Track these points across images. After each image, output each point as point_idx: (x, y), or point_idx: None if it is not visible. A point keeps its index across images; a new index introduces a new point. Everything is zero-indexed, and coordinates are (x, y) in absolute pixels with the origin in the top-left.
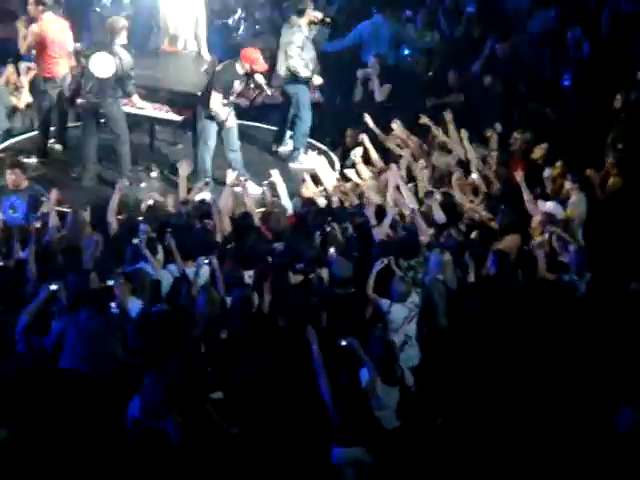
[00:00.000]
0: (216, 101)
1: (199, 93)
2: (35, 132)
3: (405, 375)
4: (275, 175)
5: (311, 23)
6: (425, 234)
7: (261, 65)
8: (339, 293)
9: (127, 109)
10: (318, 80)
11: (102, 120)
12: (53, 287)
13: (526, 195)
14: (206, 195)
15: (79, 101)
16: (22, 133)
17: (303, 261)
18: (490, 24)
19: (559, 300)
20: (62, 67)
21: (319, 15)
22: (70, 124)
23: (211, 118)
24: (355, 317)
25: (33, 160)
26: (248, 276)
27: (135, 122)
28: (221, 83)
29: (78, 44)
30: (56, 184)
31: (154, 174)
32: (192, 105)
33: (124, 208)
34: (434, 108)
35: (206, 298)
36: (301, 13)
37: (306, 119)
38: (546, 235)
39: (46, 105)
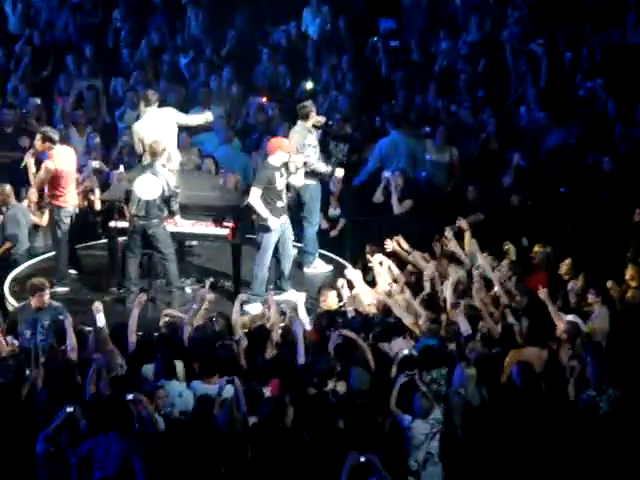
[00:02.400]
0: (254, 196)
1: (242, 205)
2: (54, 253)
3: None
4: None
5: (315, 127)
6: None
7: (288, 146)
8: (357, 402)
9: (169, 228)
10: (340, 172)
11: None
12: (69, 409)
13: (551, 309)
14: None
15: (113, 224)
16: (43, 252)
17: (319, 374)
18: (507, 140)
19: (579, 420)
20: (73, 196)
21: (322, 119)
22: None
23: (267, 229)
24: (374, 429)
25: (60, 287)
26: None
27: None
28: (258, 178)
29: (96, 162)
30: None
31: (188, 289)
32: (233, 218)
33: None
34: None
35: (227, 416)
36: (306, 117)
37: (316, 223)
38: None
39: (62, 233)
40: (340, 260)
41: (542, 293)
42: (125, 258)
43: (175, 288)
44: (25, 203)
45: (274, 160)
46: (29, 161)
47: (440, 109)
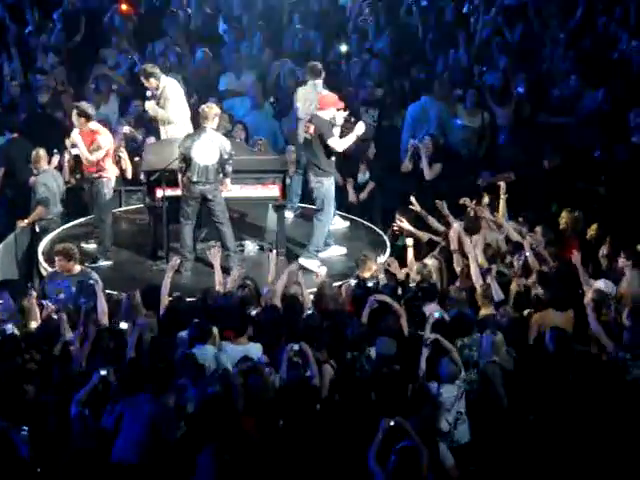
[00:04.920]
0: (336, 143)
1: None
2: (92, 218)
3: (443, 455)
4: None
5: None
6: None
7: (339, 104)
8: (385, 372)
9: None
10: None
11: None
12: (103, 372)
13: (582, 274)
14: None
15: (161, 193)
16: (76, 217)
17: (352, 340)
18: (539, 104)
19: (610, 380)
20: (113, 167)
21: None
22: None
23: (329, 183)
24: (402, 396)
25: (104, 261)
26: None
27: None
28: (327, 131)
29: (127, 128)
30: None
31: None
32: (278, 179)
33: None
34: (485, 188)
35: (259, 382)
36: (319, 74)
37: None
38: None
39: (105, 206)
40: (372, 227)
41: (575, 258)
42: (180, 225)
43: (232, 252)
44: (52, 165)
45: (324, 114)
46: (75, 138)
47: (473, 73)
